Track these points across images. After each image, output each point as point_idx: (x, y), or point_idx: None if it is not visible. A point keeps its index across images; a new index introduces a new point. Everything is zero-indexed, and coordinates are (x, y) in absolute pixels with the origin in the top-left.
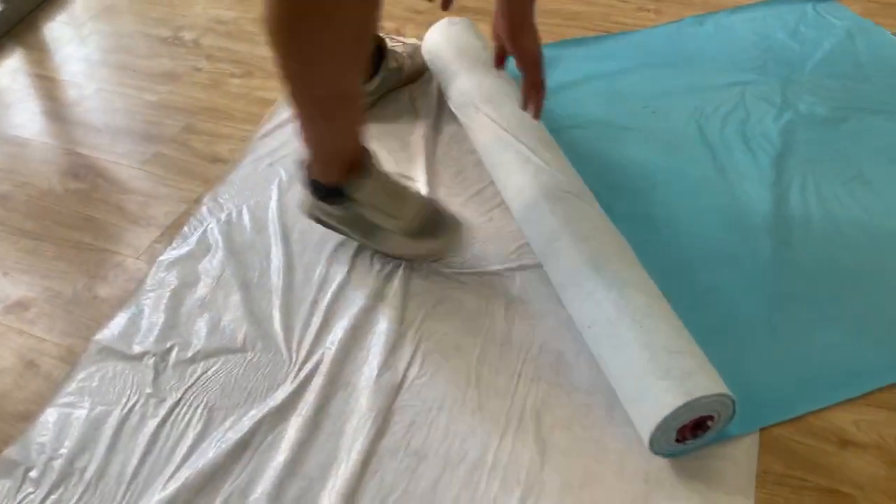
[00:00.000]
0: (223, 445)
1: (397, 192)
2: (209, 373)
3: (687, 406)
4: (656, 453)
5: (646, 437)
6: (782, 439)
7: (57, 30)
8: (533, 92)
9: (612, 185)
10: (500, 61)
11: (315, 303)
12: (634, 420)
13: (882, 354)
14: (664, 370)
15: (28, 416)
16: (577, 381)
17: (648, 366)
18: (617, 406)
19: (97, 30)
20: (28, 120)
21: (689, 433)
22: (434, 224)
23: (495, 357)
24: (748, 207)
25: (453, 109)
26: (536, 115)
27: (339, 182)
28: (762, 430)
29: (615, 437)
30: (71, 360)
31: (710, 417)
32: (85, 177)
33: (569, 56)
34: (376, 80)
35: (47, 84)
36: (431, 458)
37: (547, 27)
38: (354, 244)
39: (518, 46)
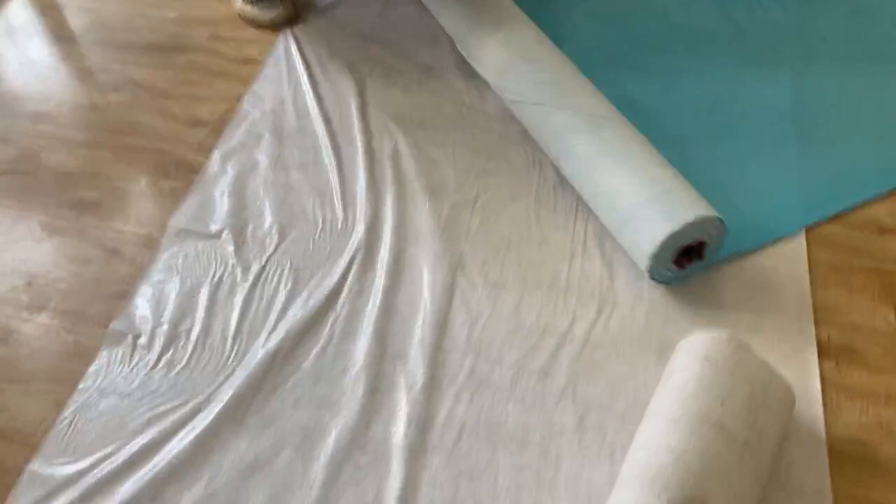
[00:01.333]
0: (317, 296)
1: None
2: (286, 241)
3: (673, 236)
4: (658, 281)
5: (644, 268)
6: (827, 235)
7: None
8: None
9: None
10: None
11: (372, 171)
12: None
13: None
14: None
15: (123, 295)
16: None
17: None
18: None
19: None
20: (51, 47)
21: (686, 259)
22: None
23: (550, 198)
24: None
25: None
26: None
27: None
28: (807, 229)
29: None
30: (151, 245)
31: (703, 243)
32: (124, 88)
33: None
34: None
35: (58, 14)
36: (510, 287)
37: None
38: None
39: None
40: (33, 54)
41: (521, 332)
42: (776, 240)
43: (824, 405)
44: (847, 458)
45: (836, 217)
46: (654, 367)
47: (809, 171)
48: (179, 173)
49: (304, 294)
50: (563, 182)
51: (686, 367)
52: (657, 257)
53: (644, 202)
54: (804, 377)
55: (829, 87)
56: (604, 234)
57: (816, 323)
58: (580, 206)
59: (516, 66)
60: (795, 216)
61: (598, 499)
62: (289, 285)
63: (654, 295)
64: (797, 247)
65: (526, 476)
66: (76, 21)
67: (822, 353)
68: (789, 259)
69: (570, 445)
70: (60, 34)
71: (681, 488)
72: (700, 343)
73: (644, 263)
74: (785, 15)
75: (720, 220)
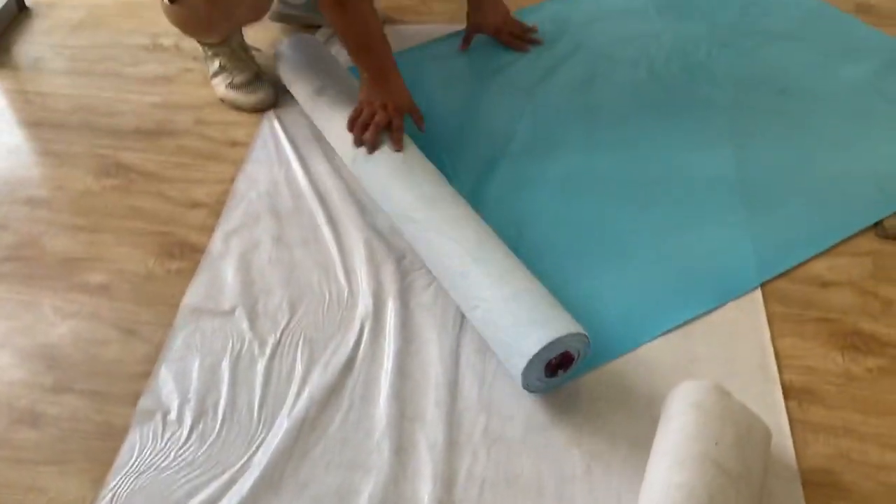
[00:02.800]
0: (334, 364)
1: None
2: (297, 315)
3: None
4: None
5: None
6: (779, 289)
7: (32, 50)
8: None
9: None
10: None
11: (370, 246)
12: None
13: (837, 214)
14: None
15: (146, 374)
16: None
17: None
18: None
19: (73, 45)
20: (35, 131)
21: (555, 369)
22: None
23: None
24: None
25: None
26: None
27: None
28: (762, 285)
29: None
30: (166, 324)
31: (570, 356)
32: (117, 173)
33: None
34: None
35: (41, 98)
36: None
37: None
38: None
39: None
40: (18, 140)
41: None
42: (738, 296)
43: (793, 440)
44: (817, 486)
45: (785, 273)
46: (647, 417)
47: (759, 233)
48: (185, 254)
49: (322, 363)
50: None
51: (680, 413)
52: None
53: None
54: (774, 416)
55: (767, 157)
56: None
57: (779, 368)
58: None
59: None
60: (750, 274)
61: None
62: (305, 356)
63: (640, 352)
64: (755, 301)
65: None
66: (60, 105)
67: (786, 394)
68: (749, 313)
69: (581, 491)
70: (44, 119)
71: None
72: (689, 391)
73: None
74: (721, 95)
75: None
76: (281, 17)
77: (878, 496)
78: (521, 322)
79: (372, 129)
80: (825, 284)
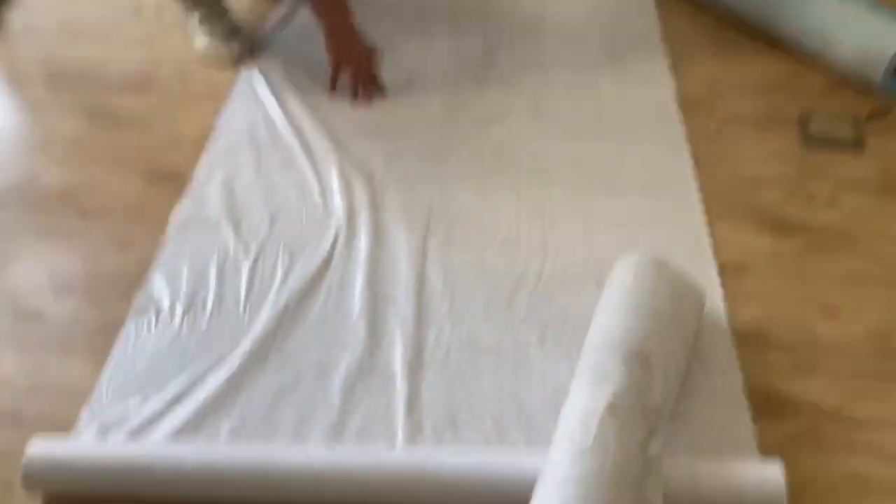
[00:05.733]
0: (312, 263)
1: None
2: (277, 227)
3: None
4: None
5: None
6: (715, 189)
7: (20, 16)
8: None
9: None
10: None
11: (342, 167)
12: None
13: None
14: None
15: (140, 279)
16: (561, 182)
17: None
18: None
19: (60, 11)
20: (27, 91)
21: None
22: None
23: (492, 168)
24: None
25: None
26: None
27: None
28: (699, 186)
29: (600, 208)
30: (157, 238)
31: None
32: (106, 118)
33: None
34: None
35: (29, 64)
36: (473, 244)
37: None
38: None
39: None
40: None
41: (485, 277)
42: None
43: (727, 306)
44: (747, 337)
45: (722, 176)
46: (594, 292)
47: None
48: (172, 181)
49: (301, 263)
50: (502, 168)
51: (621, 276)
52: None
53: None
54: (709, 287)
55: None
56: (544, 199)
57: (714, 250)
58: (521, 181)
59: None
60: None
61: (563, 384)
62: (286, 258)
63: (588, 240)
64: (691, 199)
65: (504, 377)
66: (48, 67)
67: (721, 270)
68: (686, 209)
69: (536, 354)
70: (34, 79)
71: (631, 347)
72: (629, 259)
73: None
74: None
75: None
76: None
77: (801, 345)
78: None
79: (363, 84)
80: (756, 182)
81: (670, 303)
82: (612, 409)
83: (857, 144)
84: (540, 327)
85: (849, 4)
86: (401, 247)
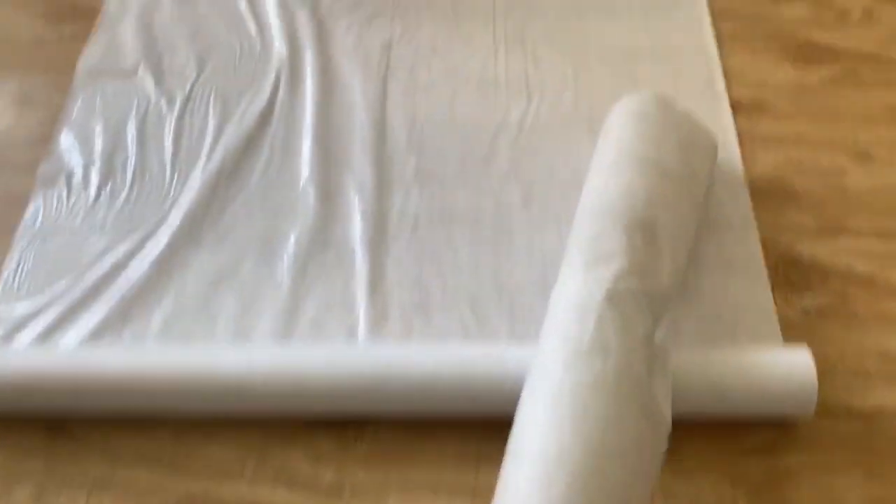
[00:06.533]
0: (249, 116)
1: None
2: (206, 70)
3: None
4: None
5: None
6: (728, 7)
7: None
8: None
9: None
10: None
11: None
12: None
13: None
14: None
15: (46, 140)
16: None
17: None
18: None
19: None
20: None
21: None
22: None
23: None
24: None
25: None
26: None
27: None
28: (710, 3)
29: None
30: (63, 89)
31: None
32: None
33: None
34: None
35: None
36: (441, 87)
37: None
38: None
39: None
40: None
41: (458, 127)
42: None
43: (742, 153)
44: (765, 192)
45: None
46: (587, 142)
47: None
48: (77, 16)
49: (236, 116)
50: None
51: (619, 125)
52: None
53: None
54: (722, 132)
55: None
56: (525, 29)
57: (728, 85)
58: (498, 4)
59: None
60: None
61: (552, 256)
62: (218, 109)
63: (579, 77)
64: (701, 20)
65: (483, 250)
66: None
67: (735, 110)
68: (695, 33)
69: (519, 219)
70: None
71: (633, 214)
72: (629, 103)
73: None
74: None
75: None
76: None
77: (829, 199)
78: None
79: None
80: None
81: (678, 156)
82: (612, 298)
83: None
84: (524, 186)
85: None
86: (355, 92)
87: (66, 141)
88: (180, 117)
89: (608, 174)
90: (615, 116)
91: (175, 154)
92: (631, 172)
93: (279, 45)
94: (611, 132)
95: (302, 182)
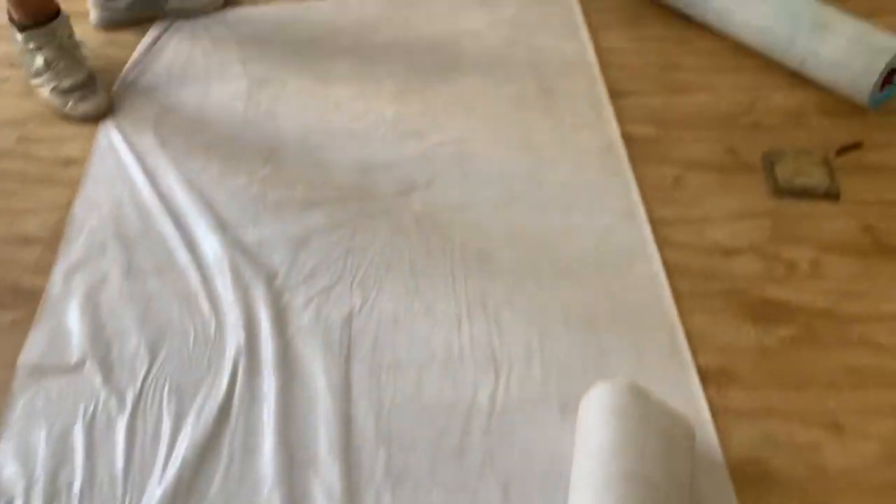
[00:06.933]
0: (207, 414)
1: None
2: (159, 359)
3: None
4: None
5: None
6: (680, 264)
7: None
8: None
9: None
10: None
11: (236, 267)
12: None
13: None
14: None
15: None
16: (503, 266)
17: None
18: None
19: None
20: None
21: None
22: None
23: (426, 265)
24: None
25: None
26: None
27: None
28: (663, 261)
29: (553, 299)
30: (3, 391)
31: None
32: None
33: None
34: None
35: None
36: (405, 366)
37: None
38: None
39: None
40: None
41: (428, 412)
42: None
43: (717, 430)
44: (747, 478)
45: (686, 245)
46: (562, 426)
47: None
48: (18, 302)
49: (192, 414)
50: (431, 251)
51: (599, 424)
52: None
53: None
54: (694, 407)
55: None
56: (485, 292)
57: (692, 351)
58: (456, 268)
59: None
60: None
61: None
62: (173, 407)
63: (545, 347)
64: (657, 280)
65: None
66: None
67: (703, 379)
68: (653, 294)
69: None
70: None
71: None
72: (604, 396)
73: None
74: None
75: None
76: (108, 23)
77: (809, 481)
78: None
79: None
80: (727, 253)
81: (663, 463)
82: None
83: (831, 194)
84: (501, 481)
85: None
86: (317, 379)
87: (4, 456)
88: (132, 418)
89: (597, 496)
90: (591, 413)
91: (127, 465)
92: (622, 495)
93: (235, 327)
94: (592, 434)
95: (266, 490)
